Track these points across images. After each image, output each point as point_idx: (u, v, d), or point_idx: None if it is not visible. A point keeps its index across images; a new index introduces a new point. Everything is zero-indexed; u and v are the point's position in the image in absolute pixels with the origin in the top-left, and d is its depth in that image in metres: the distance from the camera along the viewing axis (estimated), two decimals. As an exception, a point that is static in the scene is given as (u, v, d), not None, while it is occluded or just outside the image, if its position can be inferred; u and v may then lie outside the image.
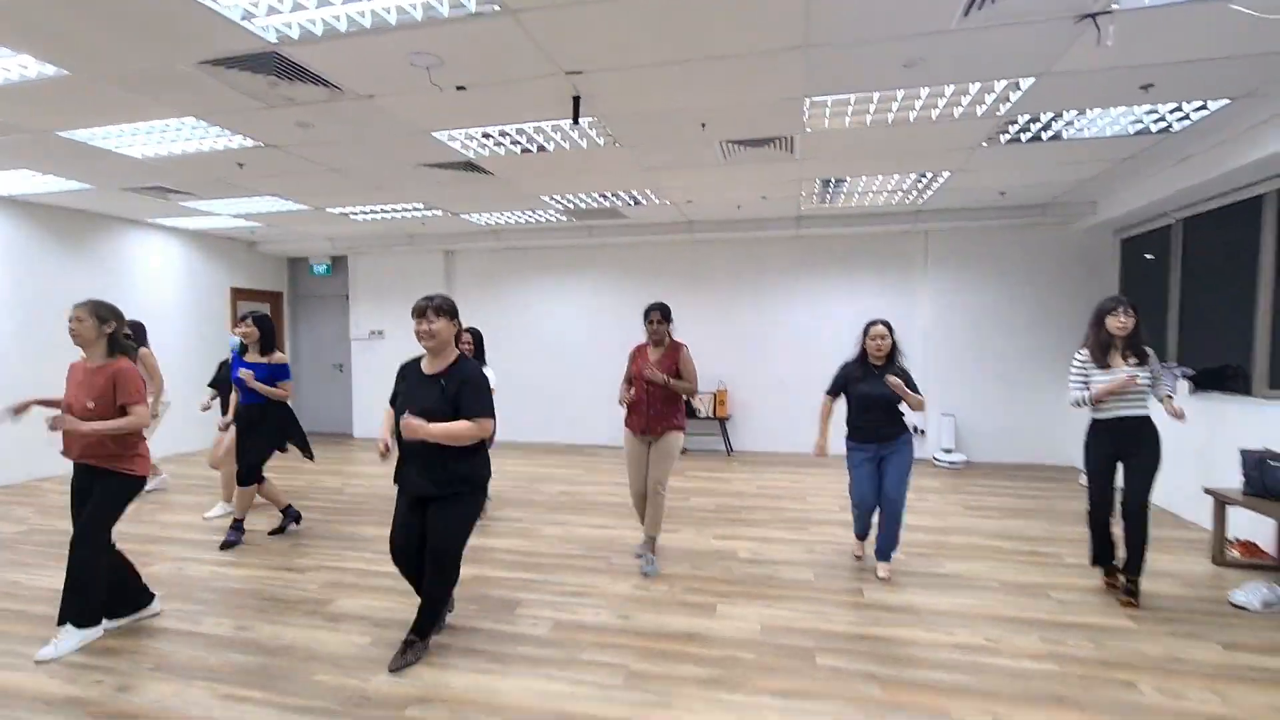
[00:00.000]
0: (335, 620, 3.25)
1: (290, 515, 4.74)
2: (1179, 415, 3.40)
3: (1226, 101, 3.87)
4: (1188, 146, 4.74)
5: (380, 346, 9.33)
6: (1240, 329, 4.95)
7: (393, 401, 2.95)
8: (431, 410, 2.72)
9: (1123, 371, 3.45)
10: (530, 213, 7.18)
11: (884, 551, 3.85)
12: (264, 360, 4.38)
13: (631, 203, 6.58)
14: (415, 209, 6.89)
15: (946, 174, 5.50)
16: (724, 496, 5.75)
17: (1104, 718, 2.40)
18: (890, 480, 3.77)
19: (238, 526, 4.47)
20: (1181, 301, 5.81)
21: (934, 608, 3.37)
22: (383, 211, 7.04)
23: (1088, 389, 3.53)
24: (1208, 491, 4.10)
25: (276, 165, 5.19)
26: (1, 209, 6.25)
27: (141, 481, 3.06)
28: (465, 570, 3.46)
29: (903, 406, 3.79)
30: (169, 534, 4.68)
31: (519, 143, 4.66)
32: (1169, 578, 3.80)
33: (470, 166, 5.26)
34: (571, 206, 6.78)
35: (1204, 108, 4.01)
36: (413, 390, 2.86)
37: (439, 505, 2.81)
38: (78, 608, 2.95)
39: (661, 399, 3.94)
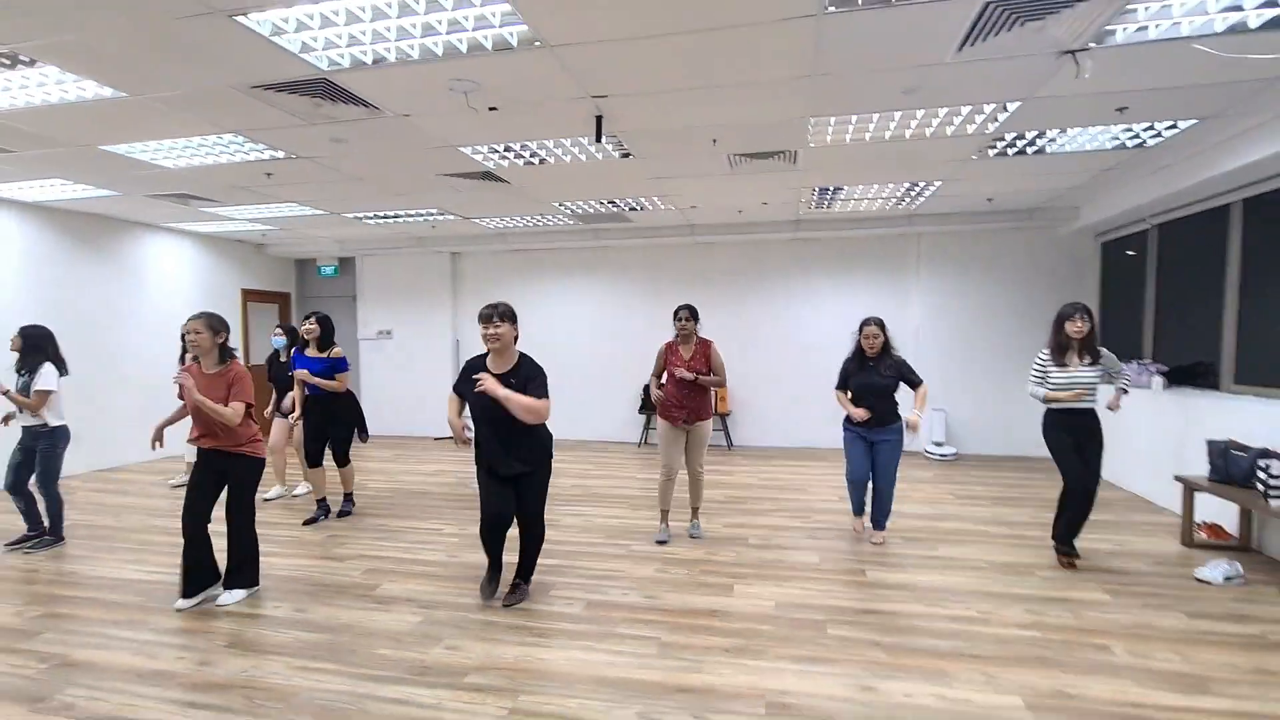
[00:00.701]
0: (385, 602, 3.54)
1: (322, 508, 5.03)
2: (1112, 407, 3.95)
3: (1195, 121, 4.22)
4: (1162, 158, 5.10)
5: (388, 346, 9.56)
6: (1209, 328, 5.33)
7: (457, 390, 3.46)
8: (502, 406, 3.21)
9: (1077, 372, 3.96)
10: (539, 217, 7.45)
11: (879, 520, 4.42)
12: (323, 355, 4.78)
13: (638, 208, 6.87)
14: (429, 213, 7.13)
15: (938, 183, 5.84)
16: (730, 489, 6.07)
17: (1080, 675, 2.74)
18: (882, 465, 4.26)
19: (349, 500, 5.27)
20: (1157, 301, 6.20)
21: (930, 585, 3.71)
22: (396, 216, 7.29)
23: (1042, 386, 4.04)
24: (1178, 479, 4.47)
25: (303, 175, 5.43)
26: (25, 214, 6.44)
27: (263, 462, 3.61)
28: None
29: (899, 397, 4.21)
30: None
31: (538, 155, 4.93)
32: (1143, 557, 4.16)
33: (488, 176, 5.53)
34: (580, 211, 7.06)
35: (1174, 126, 4.36)
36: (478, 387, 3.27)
37: (528, 478, 3.41)
38: (248, 574, 3.60)
39: (694, 391, 4.33)
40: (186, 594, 3.46)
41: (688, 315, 4.41)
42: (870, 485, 4.46)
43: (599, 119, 4.05)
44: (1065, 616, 3.29)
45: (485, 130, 4.34)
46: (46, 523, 4.43)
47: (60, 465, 4.39)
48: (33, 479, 4.35)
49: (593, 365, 8.75)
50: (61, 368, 4.38)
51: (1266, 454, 3.93)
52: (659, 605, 3.48)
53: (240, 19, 2.86)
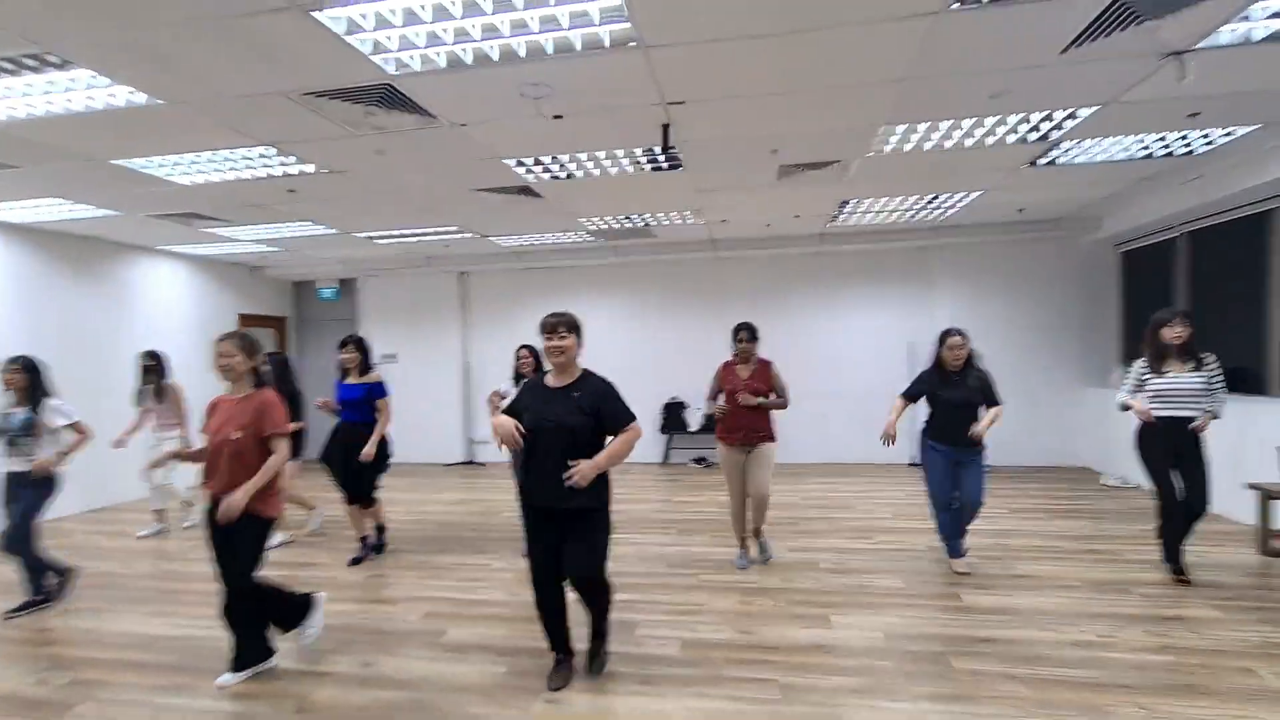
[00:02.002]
0: (458, 651, 3.22)
1: (368, 546, 4.68)
2: (1199, 428, 3.70)
3: (1257, 127, 4.22)
4: (1201, 167, 5.12)
5: (393, 371, 9.16)
6: (1252, 334, 5.34)
7: (511, 412, 2.87)
8: (569, 424, 2.74)
9: (1179, 379, 3.75)
10: (559, 235, 7.23)
11: (959, 546, 4.11)
12: (362, 380, 4.44)
13: (666, 222, 6.69)
14: (448, 231, 6.85)
15: (978, 193, 5.79)
16: (777, 508, 5.83)
17: (1240, 703, 2.58)
18: (971, 486, 3.97)
19: (380, 536, 4.85)
20: (1189, 309, 6.22)
21: (1035, 608, 3.53)
22: (413, 235, 6.99)
23: (1133, 394, 3.85)
24: (1252, 486, 4.40)
25: (329, 191, 5.14)
26: (11, 236, 5.98)
27: (273, 521, 2.98)
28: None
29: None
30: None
31: (584, 168, 4.73)
32: (1228, 569, 4.06)
33: (525, 191, 5.30)
34: (605, 228, 6.86)
35: (1230, 134, 4.36)
36: (540, 405, 2.81)
37: (582, 521, 2.75)
38: (256, 650, 3.01)
39: (754, 411, 4.10)
40: (237, 668, 2.98)
41: (748, 336, 4.17)
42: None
43: (666, 127, 3.87)
44: (1191, 637, 3.14)
45: (541, 141, 4.13)
46: (34, 592, 3.84)
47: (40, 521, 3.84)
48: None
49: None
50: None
51: (1350, 459, 3.88)
52: (759, 642, 3.23)
53: (316, 14, 2.61)
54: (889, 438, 3.95)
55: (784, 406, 4.21)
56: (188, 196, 5.17)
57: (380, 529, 4.86)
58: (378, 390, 4.58)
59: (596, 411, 2.79)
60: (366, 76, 3.16)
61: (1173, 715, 2.51)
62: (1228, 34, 2.99)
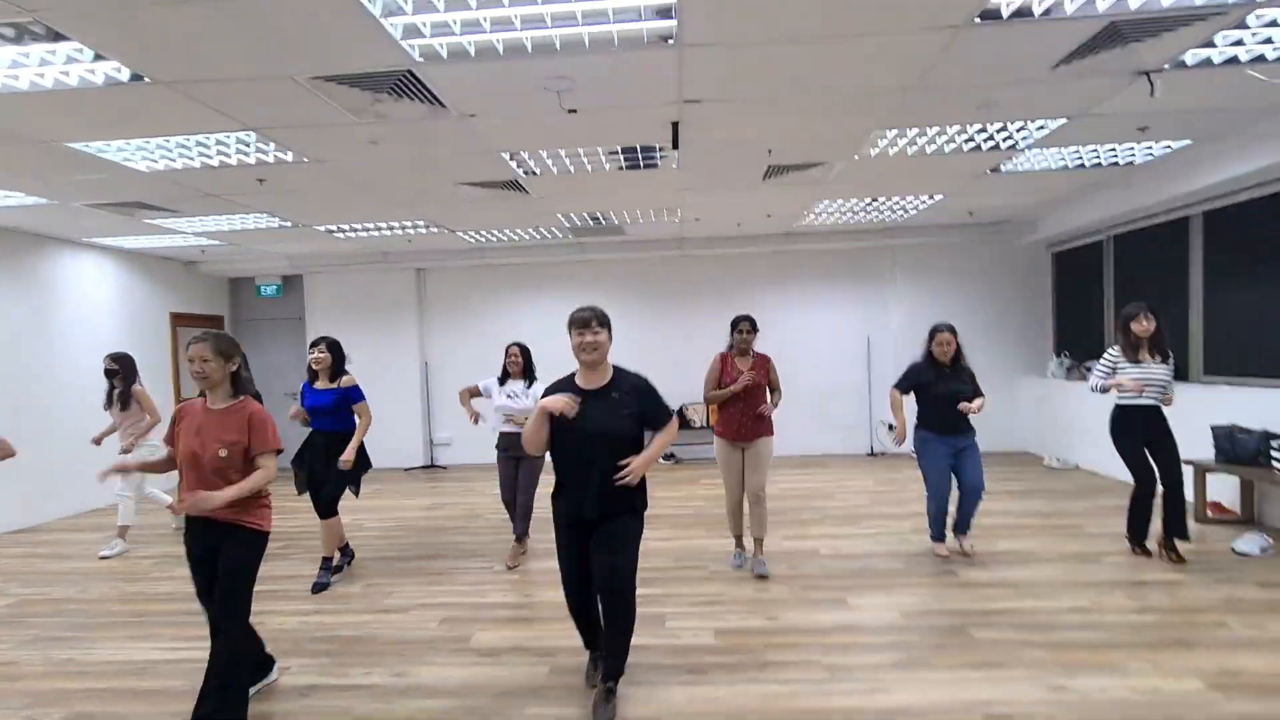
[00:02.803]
0: (493, 655, 3.15)
1: (347, 554, 4.45)
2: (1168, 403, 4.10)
3: (1188, 142, 4.73)
4: (1132, 176, 5.67)
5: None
6: (1175, 326, 5.94)
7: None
8: (614, 433, 2.60)
9: (1150, 370, 4.04)
10: (530, 230, 7.12)
11: (965, 525, 4.29)
12: (333, 386, 4.15)
13: (640, 220, 6.73)
14: (415, 226, 6.61)
15: (940, 196, 6.16)
16: (758, 500, 6.02)
17: (1225, 651, 2.90)
18: (973, 470, 4.20)
19: (327, 566, 4.22)
20: (1116, 304, 6.86)
21: (1027, 580, 3.82)
22: (377, 229, 6.70)
23: (1105, 378, 4.12)
24: (1186, 462, 4.90)
25: (301, 181, 4.86)
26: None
27: (267, 536, 2.63)
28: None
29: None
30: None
31: (580, 164, 4.70)
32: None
33: (510, 185, 5.20)
34: (578, 224, 6.82)
35: (1168, 147, 4.86)
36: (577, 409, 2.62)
37: (613, 525, 2.62)
38: (233, 703, 2.47)
39: (752, 404, 4.10)
40: None
41: (749, 327, 4.18)
42: (956, 493, 4.28)
43: (675, 125, 3.92)
44: (1164, 599, 3.50)
45: (545, 136, 4.08)
46: None
47: None
48: None
49: (576, 383, 8.43)
50: None
51: (1271, 435, 4.42)
52: (788, 626, 3.34)
53: (357, -6, 2.49)
54: (902, 438, 4.10)
55: (777, 404, 4.26)
56: (142, 184, 4.75)
57: (344, 549, 4.45)
58: (355, 394, 4.26)
59: (640, 413, 2.67)
60: (389, 62, 3.03)
61: (1174, 666, 2.79)
62: (1191, 57, 3.35)
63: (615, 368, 2.75)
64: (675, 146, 3.98)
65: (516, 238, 7.51)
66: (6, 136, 3.73)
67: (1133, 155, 5.05)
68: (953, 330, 4.27)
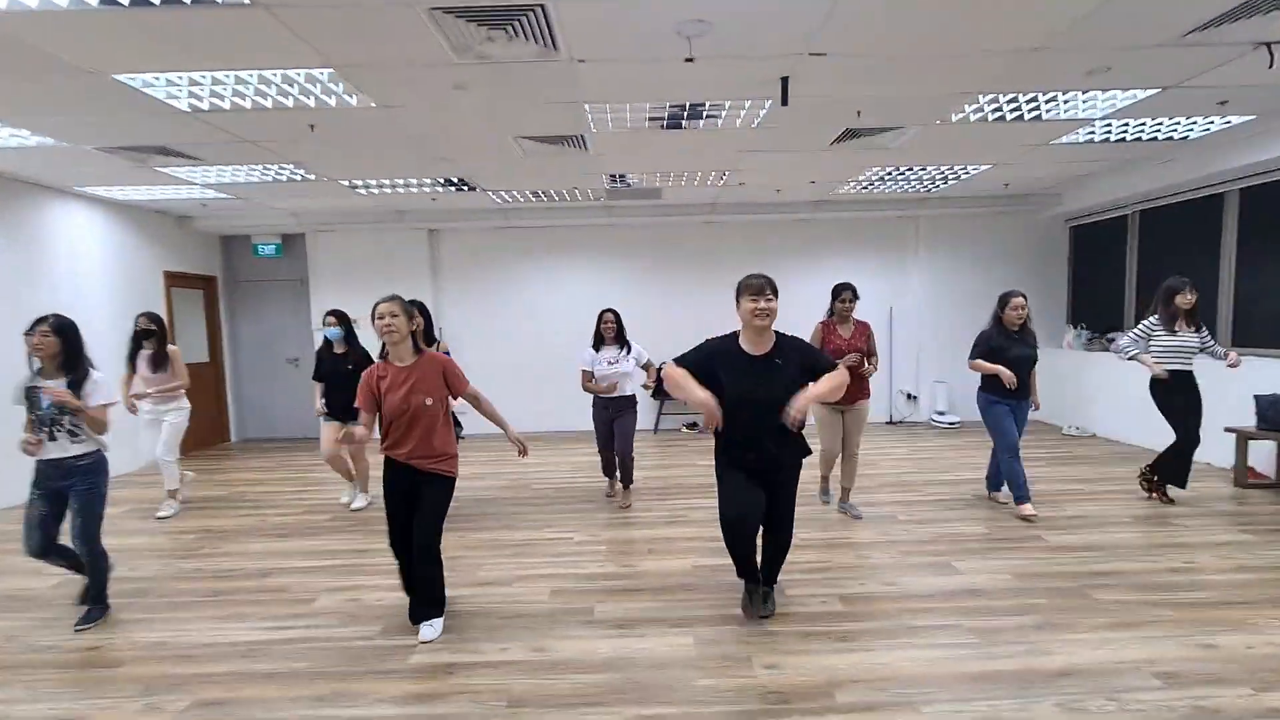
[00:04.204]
0: (626, 626, 3.05)
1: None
2: (1235, 364, 4.36)
3: (1253, 117, 4.83)
4: (1176, 151, 5.79)
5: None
6: (1204, 300, 6.17)
7: (699, 369, 2.88)
8: (779, 398, 2.73)
9: (1185, 339, 4.43)
10: (565, 191, 6.83)
11: (1001, 484, 4.65)
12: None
13: (682, 183, 6.53)
14: (444, 183, 6.25)
15: (987, 166, 6.17)
16: (809, 465, 6.03)
17: (1329, 607, 3.06)
18: (1021, 432, 4.47)
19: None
20: (1139, 278, 7.08)
21: (1112, 544, 3.93)
22: (403, 185, 6.30)
23: (1138, 346, 4.48)
24: (1229, 430, 5.14)
25: (351, 130, 4.49)
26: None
27: (454, 481, 3.07)
28: (681, 562, 3.84)
29: None
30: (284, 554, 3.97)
31: (659, 119, 4.49)
32: (1222, 499, 4.76)
33: (573, 140, 4.94)
34: (619, 186, 6.58)
35: (1228, 121, 4.96)
36: (741, 378, 2.81)
37: (785, 474, 2.98)
38: (439, 603, 3.04)
39: (854, 372, 4.16)
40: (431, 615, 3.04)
41: (852, 295, 4.33)
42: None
43: (785, 80, 3.75)
44: (1245, 558, 3.65)
45: (648, 87, 3.87)
46: (90, 589, 3.25)
47: (104, 510, 3.25)
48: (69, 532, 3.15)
49: (598, 351, 8.26)
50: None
51: (1316, 403, 4.66)
52: (910, 591, 3.35)
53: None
54: (1012, 381, 4.25)
55: (875, 370, 4.35)
56: (178, 125, 4.30)
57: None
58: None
59: (802, 370, 2.84)
60: (527, -7, 2.77)
61: (1296, 623, 2.93)
62: (1310, 29, 3.37)
63: (778, 333, 2.88)
64: (784, 103, 3.82)
65: (548, 199, 7.21)
66: (48, 65, 3.29)
67: (1190, 130, 5.14)
68: (1024, 295, 4.38)
